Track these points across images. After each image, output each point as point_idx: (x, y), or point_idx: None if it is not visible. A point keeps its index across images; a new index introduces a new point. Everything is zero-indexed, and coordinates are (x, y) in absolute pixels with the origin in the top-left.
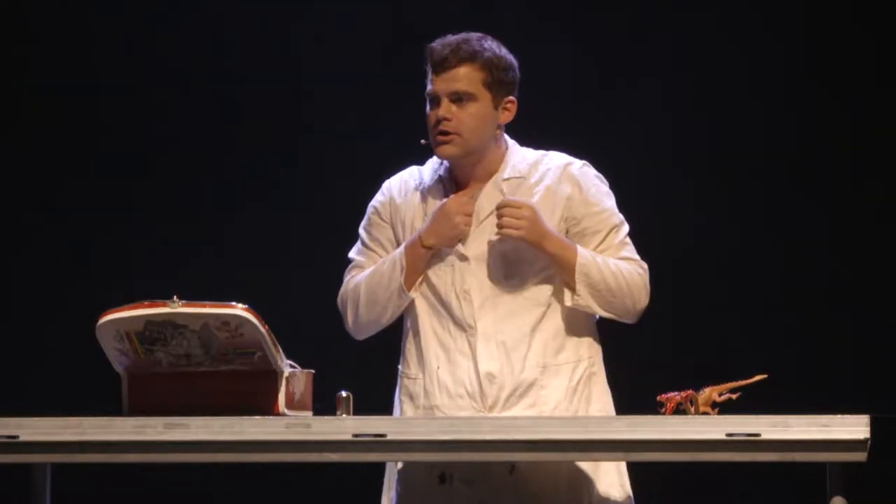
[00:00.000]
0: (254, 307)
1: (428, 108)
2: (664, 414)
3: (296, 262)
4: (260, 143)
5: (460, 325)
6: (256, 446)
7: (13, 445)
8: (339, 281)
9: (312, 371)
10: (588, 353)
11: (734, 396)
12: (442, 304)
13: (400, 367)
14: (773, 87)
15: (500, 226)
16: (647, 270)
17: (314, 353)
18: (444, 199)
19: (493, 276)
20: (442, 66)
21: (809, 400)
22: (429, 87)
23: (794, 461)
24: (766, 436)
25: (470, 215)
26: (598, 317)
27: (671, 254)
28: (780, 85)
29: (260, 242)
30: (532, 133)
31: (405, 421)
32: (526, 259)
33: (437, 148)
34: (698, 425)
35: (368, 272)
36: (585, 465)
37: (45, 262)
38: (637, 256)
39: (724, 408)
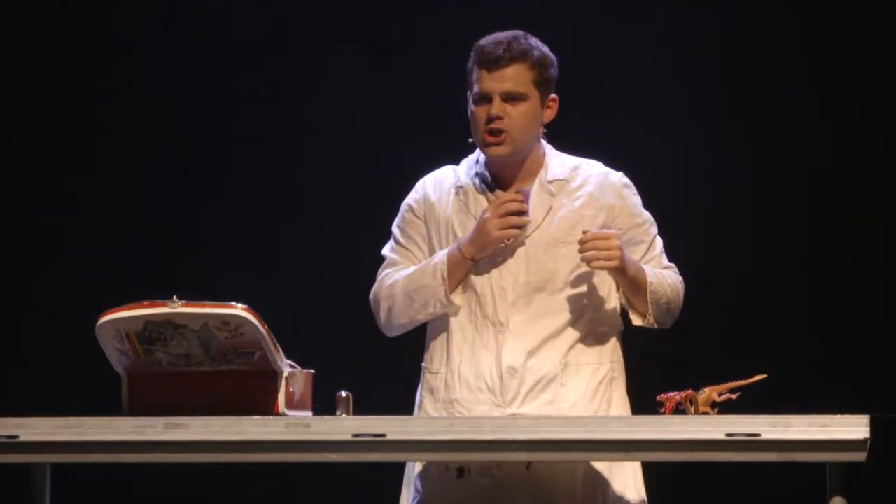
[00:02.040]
0: (254, 307)
1: (473, 105)
2: (664, 414)
3: (296, 261)
4: (260, 143)
5: (491, 320)
6: (256, 446)
7: (13, 445)
8: (340, 282)
9: (312, 371)
10: (610, 358)
11: (734, 396)
12: (475, 299)
13: (423, 363)
14: (767, 94)
15: (589, 259)
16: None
17: (314, 353)
18: (488, 205)
19: (529, 276)
20: (496, 64)
21: (809, 400)
22: (477, 86)
23: (794, 461)
24: (766, 436)
25: (504, 217)
26: (623, 326)
27: (671, 254)
28: (775, 91)
29: (260, 242)
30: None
31: (405, 421)
32: (562, 263)
33: (488, 148)
34: (698, 425)
35: (405, 275)
36: (602, 465)
37: (44, 262)
38: (671, 263)
39: (724, 408)
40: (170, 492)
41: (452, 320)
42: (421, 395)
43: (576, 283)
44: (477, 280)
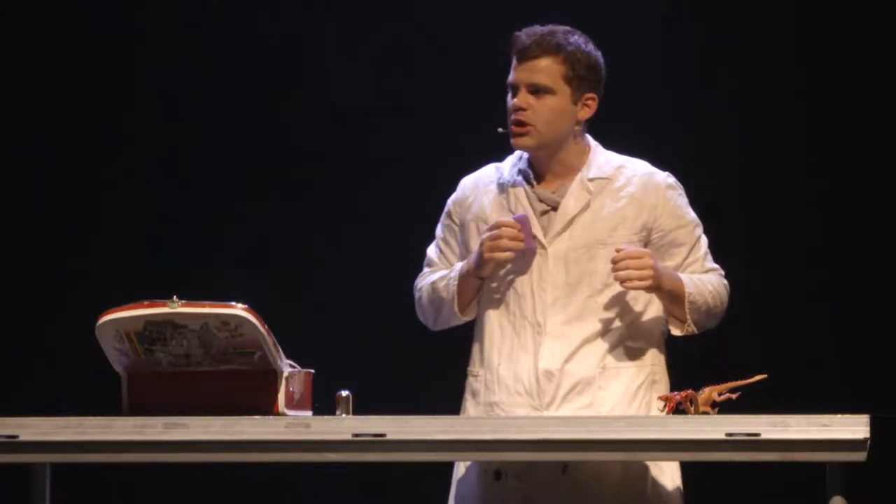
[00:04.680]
0: (254, 307)
1: (508, 96)
2: (664, 414)
3: (296, 261)
4: (259, 144)
5: (529, 321)
6: (256, 446)
7: (13, 445)
8: (340, 281)
9: (312, 371)
10: (651, 360)
11: (734, 396)
12: (515, 299)
13: (468, 367)
14: (773, 95)
15: (622, 278)
16: (724, 277)
17: (314, 353)
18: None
19: (568, 277)
20: (524, 55)
21: (809, 400)
22: (510, 76)
23: (794, 461)
24: (765, 435)
25: (497, 240)
26: (666, 327)
27: None
28: (778, 93)
29: (260, 242)
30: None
31: (405, 420)
32: (601, 264)
33: (513, 139)
34: (698, 425)
35: (431, 282)
36: (639, 468)
37: (45, 261)
38: (716, 264)
39: (724, 408)
40: (170, 492)
41: (493, 322)
42: (464, 398)
43: (613, 286)
44: (518, 280)
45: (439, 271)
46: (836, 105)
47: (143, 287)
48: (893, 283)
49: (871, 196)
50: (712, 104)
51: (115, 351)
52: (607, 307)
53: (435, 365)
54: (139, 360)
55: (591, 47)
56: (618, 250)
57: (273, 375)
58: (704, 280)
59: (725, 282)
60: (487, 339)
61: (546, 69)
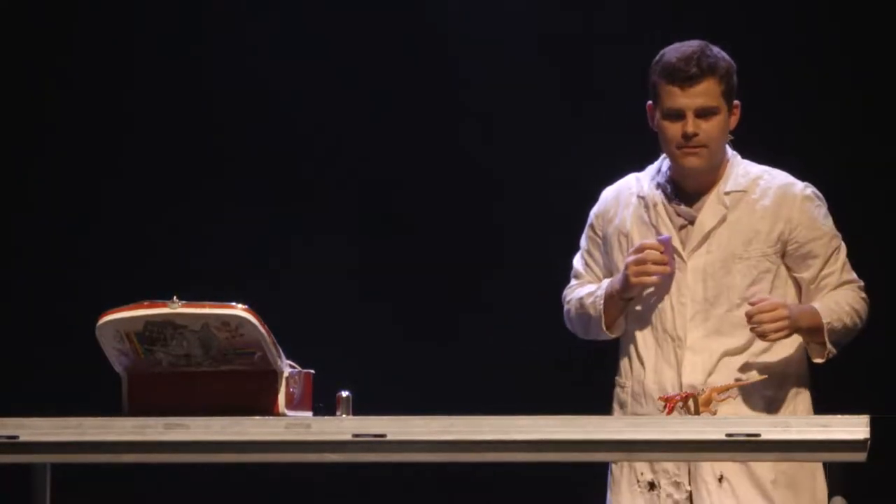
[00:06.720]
0: (254, 307)
1: (662, 119)
2: (665, 414)
3: (295, 261)
4: (259, 146)
5: (670, 335)
6: (256, 446)
7: (13, 445)
8: (339, 282)
9: (312, 371)
10: (793, 372)
11: (734, 397)
12: (656, 313)
13: (616, 377)
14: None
15: (761, 333)
16: (863, 289)
17: (314, 353)
18: (633, 247)
19: (707, 292)
20: (690, 81)
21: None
22: (669, 103)
23: (794, 461)
24: (766, 436)
25: (642, 265)
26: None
27: None
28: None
29: (260, 242)
30: None
31: (405, 421)
32: (738, 278)
33: (684, 159)
34: (698, 425)
35: (579, 297)
36: (791, 477)
37: (44, 261)
38: (854, 275)
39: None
40: (170, 492)
41: (637, 335)
42: (613, 408)
43: (752, 297)
44: (659, 295)
45: (587, 285)
46: (836, 98)
47: (143, 287)
48: (893, 282)
49: (871, 194)
50: None
51: (115, 351)
52: (746, 321)
53: (436, 364)
54: (139, 360)
55: (726, 55)
56: (751, 303)
57: (273, 376)
58: (840, 301)
59: (864, 294)
60: (633, 351)
61: (710, 91)
